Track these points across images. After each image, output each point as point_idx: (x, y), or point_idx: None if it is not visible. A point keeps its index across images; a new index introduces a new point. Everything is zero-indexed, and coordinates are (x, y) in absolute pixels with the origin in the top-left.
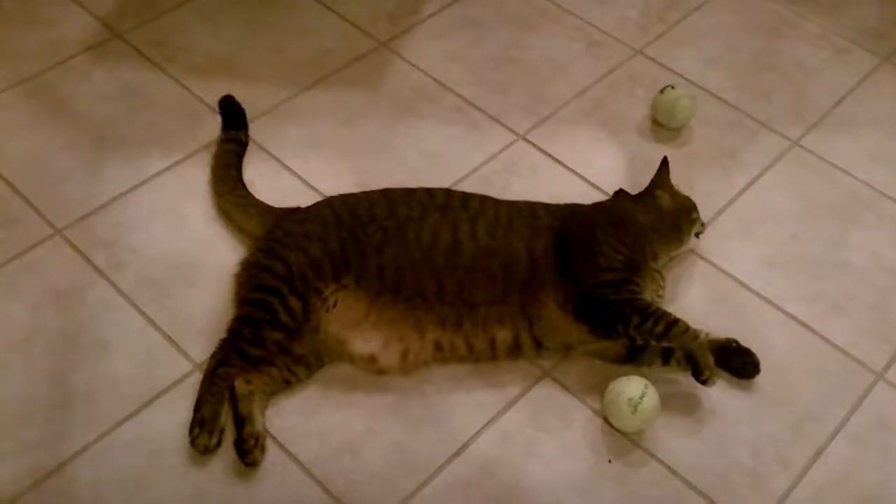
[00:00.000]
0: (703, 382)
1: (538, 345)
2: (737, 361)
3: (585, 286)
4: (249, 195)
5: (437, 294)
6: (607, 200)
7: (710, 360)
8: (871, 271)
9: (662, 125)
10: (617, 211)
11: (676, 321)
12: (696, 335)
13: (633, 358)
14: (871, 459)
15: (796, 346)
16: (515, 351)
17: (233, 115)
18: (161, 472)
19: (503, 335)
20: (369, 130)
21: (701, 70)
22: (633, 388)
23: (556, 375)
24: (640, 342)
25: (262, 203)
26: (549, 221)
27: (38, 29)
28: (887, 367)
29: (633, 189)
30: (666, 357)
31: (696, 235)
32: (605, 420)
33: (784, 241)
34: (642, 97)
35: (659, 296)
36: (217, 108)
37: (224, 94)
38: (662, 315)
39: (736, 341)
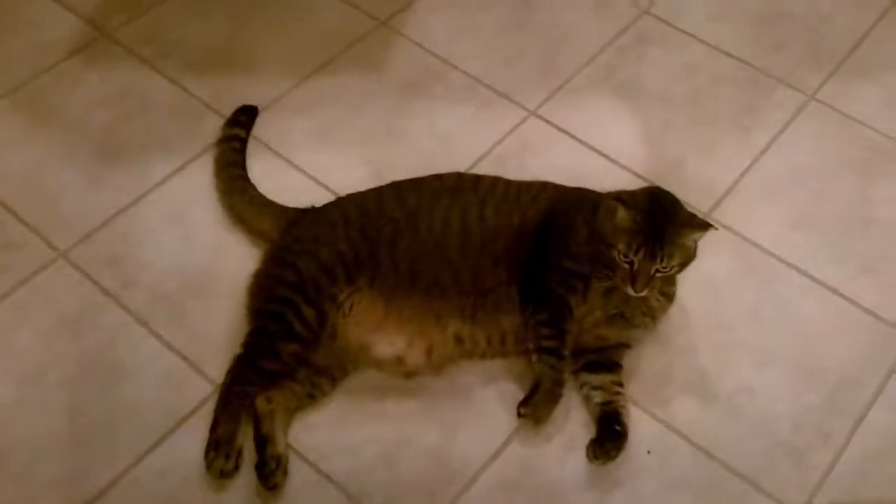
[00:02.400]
0: (518, 412)
1: None
2: (605, 439)
3: (546, 264)
4: (261, 195)
5: (454, 283)
6: (605, 195)
7: (547, 406)
8: None
9: None
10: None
11: (562, 357)
12: (557, 380)
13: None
14: None
15: (827, 313)
16: (519, 343)
17: (243, 115)
18: (194, 499)
19: (508, 324)
20: (377, 116)
21: (710, 27)
22: None
23: None
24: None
25: (275, 203)
26: (551, 198)
27: (19, 33)
28: None
29: (653, 161)
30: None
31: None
32: None
33: (808, 201)
34: (653, 60)
35: (646, 313)
36: (216, 105)
37: (222, 90)
38: (561, 338)
39: (621, 428)
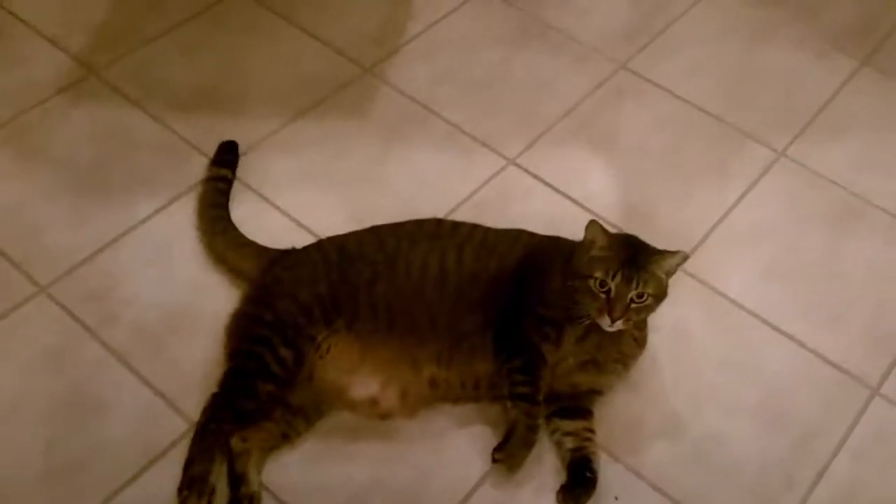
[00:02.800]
0: (493, 458)
1: None
2: (575, 485)
3: (521, 311)
4: (241, 235)
5: (430, 328)
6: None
7: (521, 452)
8: (865, 282)
9: None
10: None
11: (536, 403)
12: (532, 426)
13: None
14: (873, 475)
15: (793, 364)
16: (492, 388)
17: (227, 154)
18: None
19: (482, 369)
20: (359, 161)
21: (686, 81)
22: None
23: None
24: (499, 384)
25: (255, 243)
26: (526, 246)
27: (9, 69)
28: (883, 379)
29: (627, 211)
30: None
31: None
32: None
33: (777, 254)
34: (629, 113)
35: (618, 360)
36: (201, 146)
37: (208, 130)
38: (535, 385)
39: (592, 474)
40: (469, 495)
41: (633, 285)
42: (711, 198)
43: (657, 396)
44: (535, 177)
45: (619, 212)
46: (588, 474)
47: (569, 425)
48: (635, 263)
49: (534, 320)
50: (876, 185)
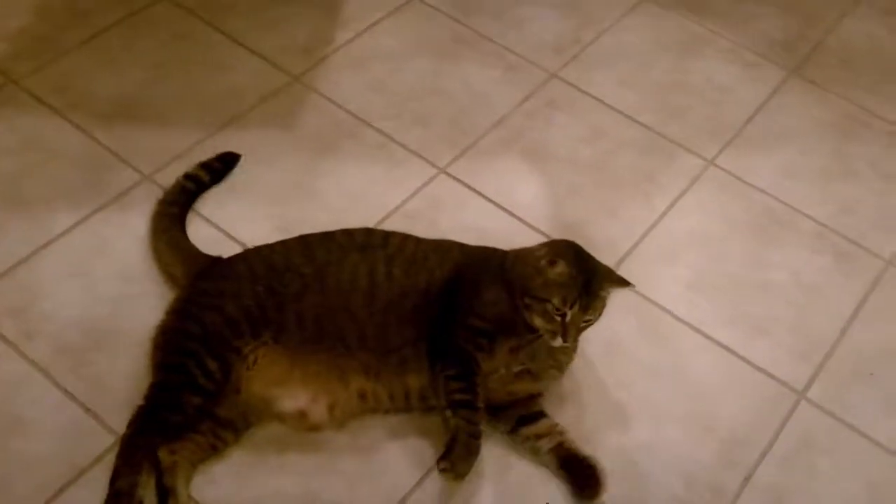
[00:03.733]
0: (439, 468)
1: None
2: (580, 477)
3: (454, 322)
4: (183, 238)
5: (359, 340)
6: (511, 253)
7: (466, 460)
8: (790, 289)
9: None
10: (510, 270)
11: (476, 409)
12: (474, 433)
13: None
14: (798, 481)
15: (721, 371)
16: (423, 401)
17: (218, 161)
18: None
19: (413, 382)
20: (287, 171)
21: (616, 92)
22: None
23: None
24: (433, 393)
25: (192, 248)
26: (456, 259)
27: None
28: (808, 385)
29: (558, 221)
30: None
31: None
32: None
33: (705, 263)
34: (560, 123)
35: (553, 366)
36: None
37: (132, 140)
38: (473, 391)
39: (588, 460)
40: None
41: (588, 313)
42: (642, 207)
43: (586, 407)
44: (467, 186)
45: (550, 222)
46: (587, 471)
47: (535, 429)
48: (589, 290)
49: (467, 331)
50: (804, 193)
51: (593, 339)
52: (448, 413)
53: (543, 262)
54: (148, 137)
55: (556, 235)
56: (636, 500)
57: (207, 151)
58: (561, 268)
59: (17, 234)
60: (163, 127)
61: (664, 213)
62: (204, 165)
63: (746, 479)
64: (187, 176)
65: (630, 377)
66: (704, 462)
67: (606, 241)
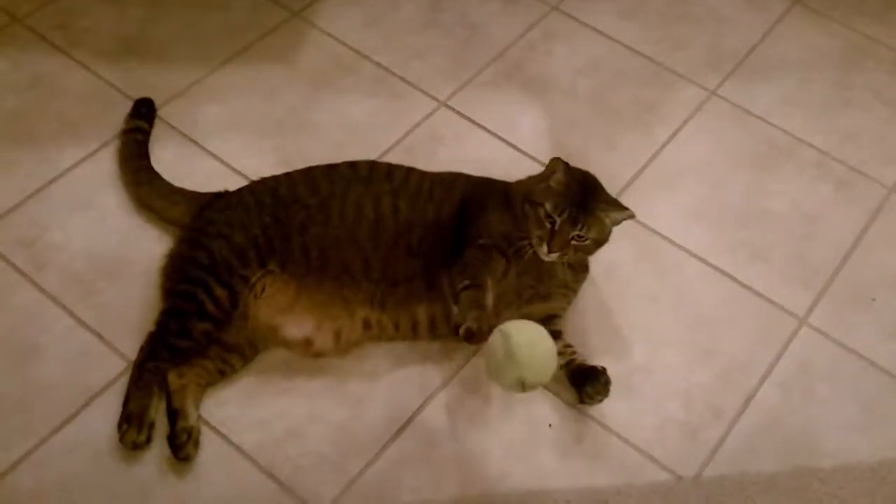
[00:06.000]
0: (457, 331)
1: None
2: (585, 384)
3: (464, 245)
4: (168, 184)
5: (364, 271)
6: (517, 181)
7: (471, 313)
8: (791, 218)
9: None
10: (514, 192)
11: (480, 288)
12: (479, 317)
13: None
14: (796, 404)
15: (722, 297)
16: (433, 330)
17: (143, 107)
18: (105, 473)
19: (421, 313)
20: (289, 106)
21: (617, 23)
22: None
23: None
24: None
25: (184, 189)
26: (463, 190)
27: None
28: (809, 311)
29: (559, 152)
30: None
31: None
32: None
33: (706, 192)
34: (560, 54)
35: (560, 285)
36: (129, 92)
37: (136, 77)
38: (479, 283)
39: (603, 370)
40: (404, 427)
41: (577, 227)
42: (642, 138)
43: (588, 332)
44: (467, 119)
45: (550, 153)
46: (594, 373)
47: None
48: (584, 206)
49: (476, 249)
50: (806, 123)
51: (594, 266)
52: (456, 301)
53: (548, 170)
54: (151, 74)
55: None
56: (636, 419)
57: (209, 88)
58: (560, 175)
59: (26, 169)
60: (165, 64)
61: (665, 144)
62: (134, 116)
63: (747, 401)
64: (129, 131)
65: (629, 303)
66: (705, 385)
67: (606, 172)
